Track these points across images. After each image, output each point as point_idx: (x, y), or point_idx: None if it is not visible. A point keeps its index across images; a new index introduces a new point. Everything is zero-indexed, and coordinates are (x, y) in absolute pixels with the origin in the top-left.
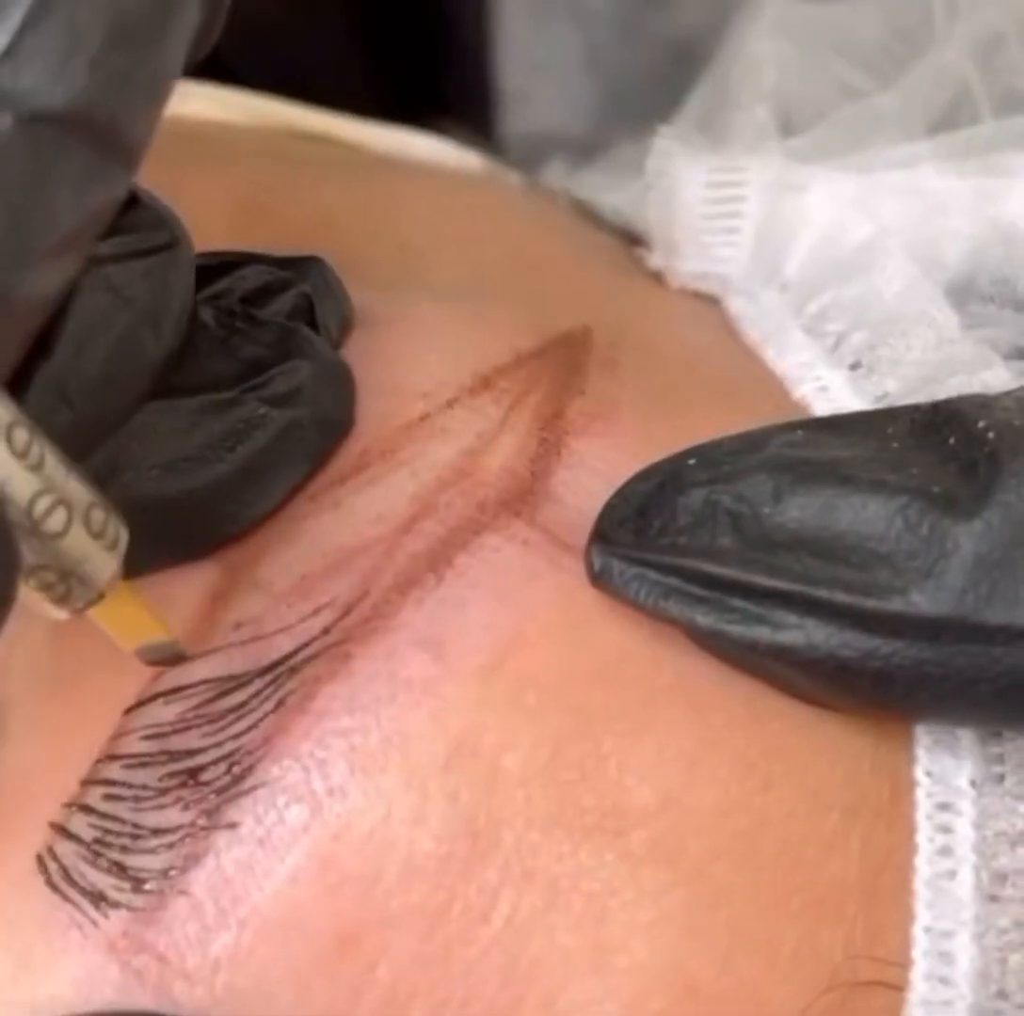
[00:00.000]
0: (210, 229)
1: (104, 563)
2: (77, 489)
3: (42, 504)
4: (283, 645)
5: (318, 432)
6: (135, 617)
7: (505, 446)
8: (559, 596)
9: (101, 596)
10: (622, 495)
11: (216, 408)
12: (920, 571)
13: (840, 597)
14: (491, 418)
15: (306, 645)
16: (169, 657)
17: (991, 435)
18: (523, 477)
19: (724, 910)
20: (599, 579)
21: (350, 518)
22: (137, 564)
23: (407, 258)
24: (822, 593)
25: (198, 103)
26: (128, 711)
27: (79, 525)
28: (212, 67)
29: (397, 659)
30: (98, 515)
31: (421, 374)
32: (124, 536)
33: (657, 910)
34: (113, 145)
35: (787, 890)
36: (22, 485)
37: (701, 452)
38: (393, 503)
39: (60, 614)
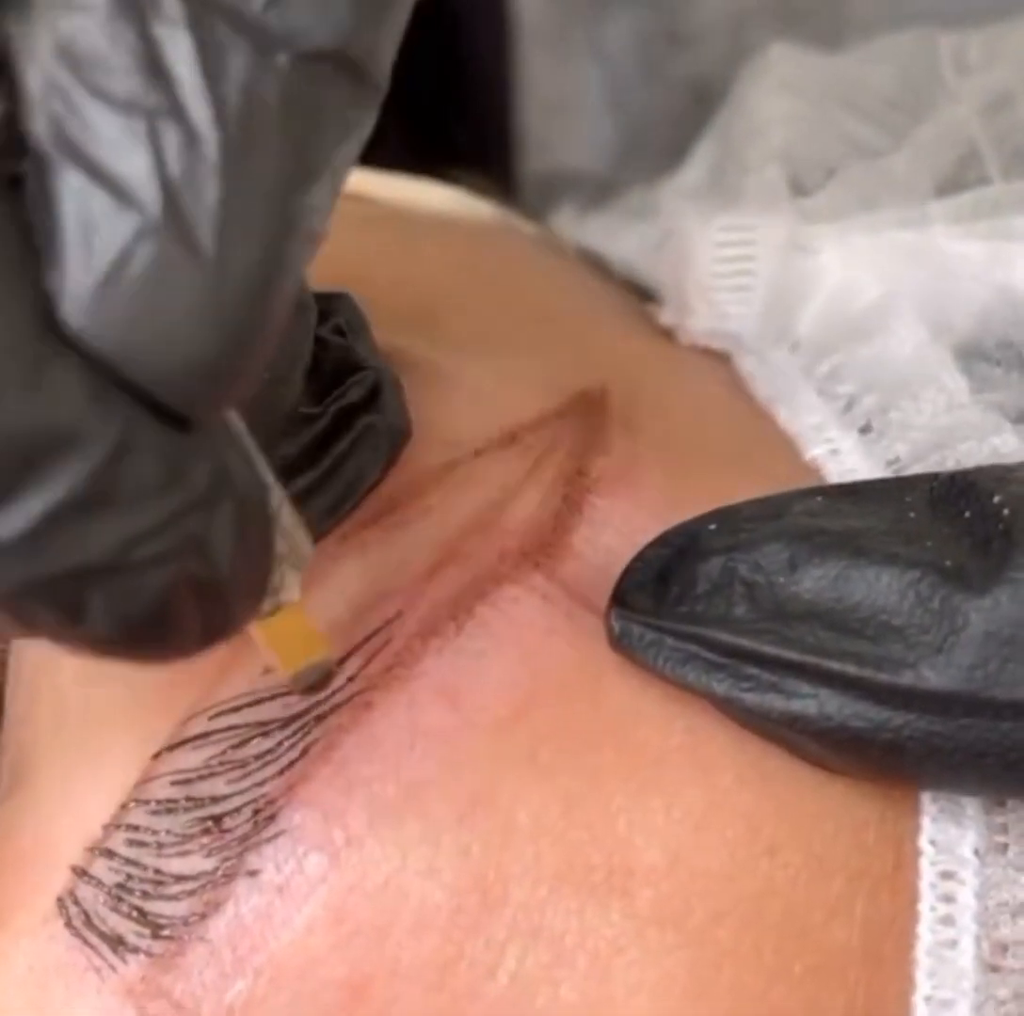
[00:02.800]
0: None
1: (289, 571)
2: (276, 489)
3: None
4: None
5: (388, 437)
6: (300, 634)
7: (529, 499)
8: (575, 653)
9: (279, 607)
10: (642, 559)
11: (304, 420)
12: (931, 646)
13: (852, 669)
14: (516, 471)
15: (332, 694)
16: (320, 679)
17: (1006, 512)
18: (545, 531)
19: (727, 973)
20: (619, 643)
21: (376, 563)
22: None
23: (421, 313)
24: (834, 665)
25: None
26: (156, 756)
27: (277, 533)
28: None
29: (417, 708)
30: (289, 520)
31: (448, 423)
32: (309, 549)
33: (660, 970)
34: (367, 81)
35: (790, 955)
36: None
37: (721, 517)
38: (418, 550)
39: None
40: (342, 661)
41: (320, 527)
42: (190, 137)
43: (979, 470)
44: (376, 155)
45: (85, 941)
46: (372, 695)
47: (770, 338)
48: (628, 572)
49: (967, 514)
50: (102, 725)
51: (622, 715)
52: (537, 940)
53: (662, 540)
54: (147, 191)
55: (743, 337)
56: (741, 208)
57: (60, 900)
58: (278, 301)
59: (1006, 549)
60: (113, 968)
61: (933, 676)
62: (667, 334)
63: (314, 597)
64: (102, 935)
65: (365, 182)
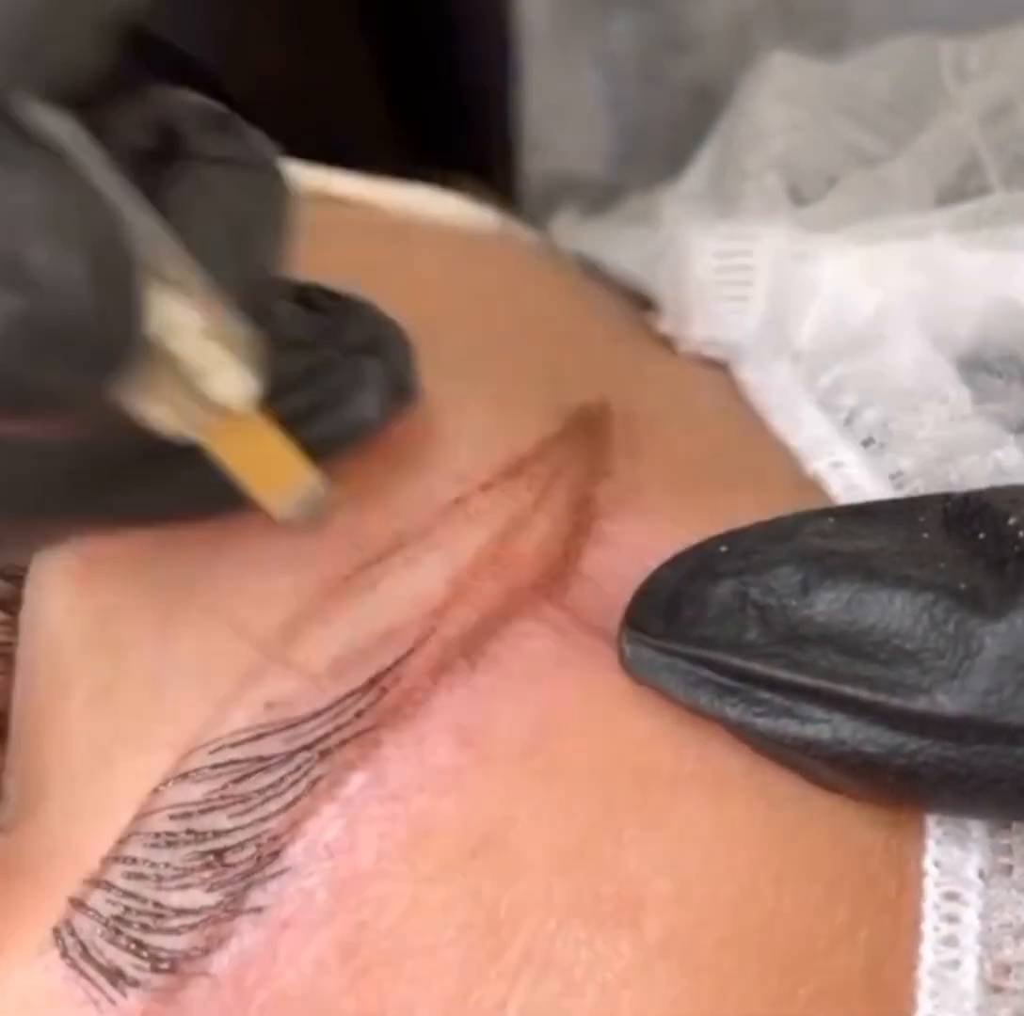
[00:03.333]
0: None
1: (231, 371)
2: (195, 284)
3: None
4: (315, 729)
5: (392, 384)
6: (271, 453)
7: (538, 531)
8: (587, 685)
9: (228, 412)
10: (653, 582)
11: (294, 349)
12: (945, 671)
13: (865, 694)
14: (523, 503)
15: (338, 729)
16: (314, 511)
17: (1021, 534)
18: (555, 561)
19: (732, 1000)
20: (630, 667)
21: (385, 601)
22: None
23: (422, 328)
24: (847, 690)
25: None
26: (155, 790)
27: (199, 321)
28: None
29: (427, 746)
30: (223, 317)
31: (454, 456)
32: (255, 349)
33: (667, 1001)
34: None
35: (794, 981)
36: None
37: (732, 539)
38: (427, 587)
39: (182, 427)
40: (349, 697)
41: (320, 459)
42: None
43: (993, 491)
44: (376, 160)
45: (82, 973)
46: (381, 733)
47: (769, 348)
48: (639, 595)
49: (981, 536)
50: (106, 758)
51: (635, 745)
52: (547, 973)
53: (673, 562)
54: None
55: (742, 347)
56: (740, 216)
57: (56, 930)
58: None
59: (1021, 572)
60: (112, 1001)
61: (947, 702)
62: (666, 343)
63: (323, 634)
64: (100, 967)
65: (363, 188)
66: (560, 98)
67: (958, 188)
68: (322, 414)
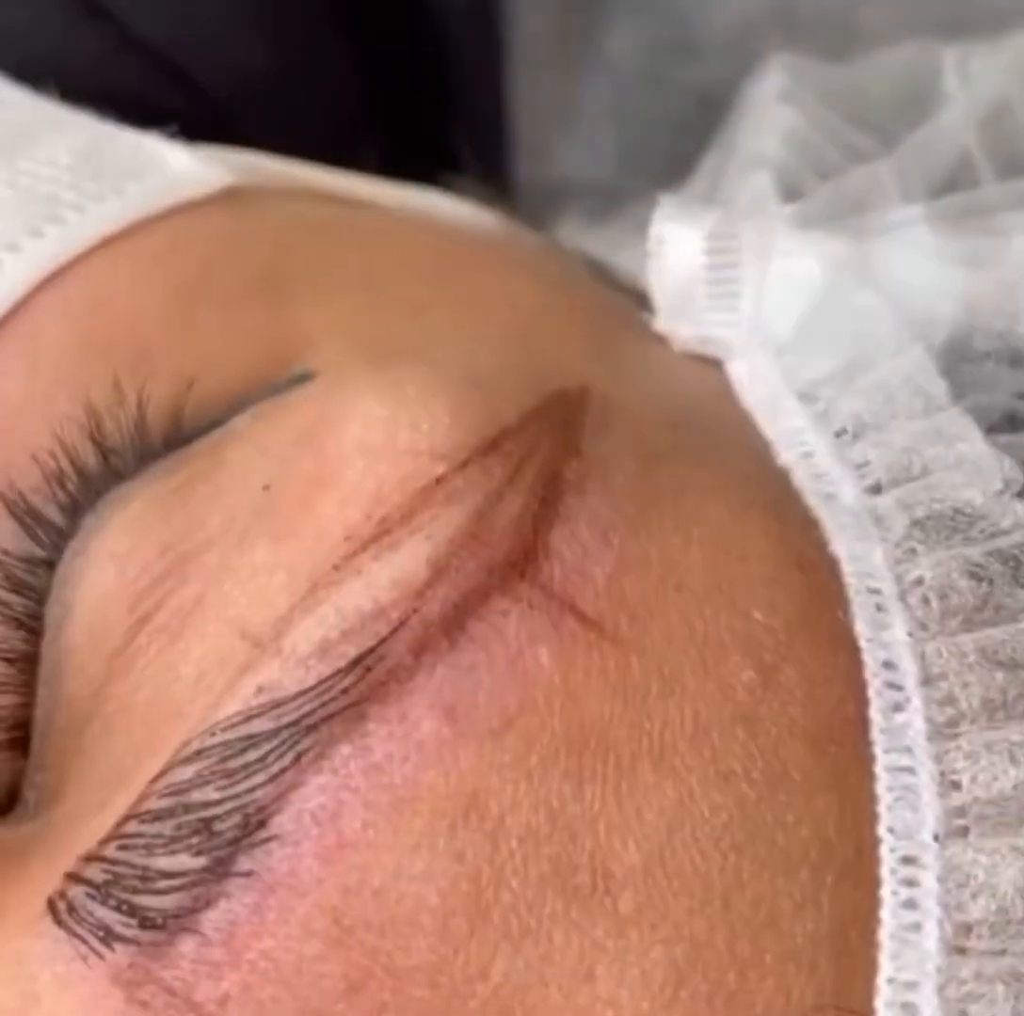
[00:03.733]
0: None
1: None
2: None
3: None
4: (301, 706)
5: None
6: None
7: (511, 507)
8: (557, 660)
9: None
10: None
11: None
12: None
13: None
14: (498, 479)
15: (324, 706)
16: None
17: None
18: (526, 537)
19: (704, 965)
20: None
21: (369, 584)
22: None
23: (410, 312)
24: None
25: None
26: (152, 781)
27: None
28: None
29: (411, 721)
30: None
31: (435, 438)
32: None
33: (641, 966)
34: None
35: (762, 946)
36: None
37: None
38: (409, 569)
39: None
40: (334, 676)
41: None
42: None
43: None
44: (372, 162)
45: (72, 932)
46: (366, 708)
47: (757, 344)
48: None
49: None
50: (119, 770)
51: (598, 722)
52: (526, 941)
53: None
54: None
55: (733, 343)
56: (730, 214)
57: (50, 900)
58: None
59: None
60: (100, 956)
61: None
62: (662, 341)
63: (310, 621)
64: (89, 926)
65: (353, 186)
66: (561, 103)
67: (951, 184)
68: None
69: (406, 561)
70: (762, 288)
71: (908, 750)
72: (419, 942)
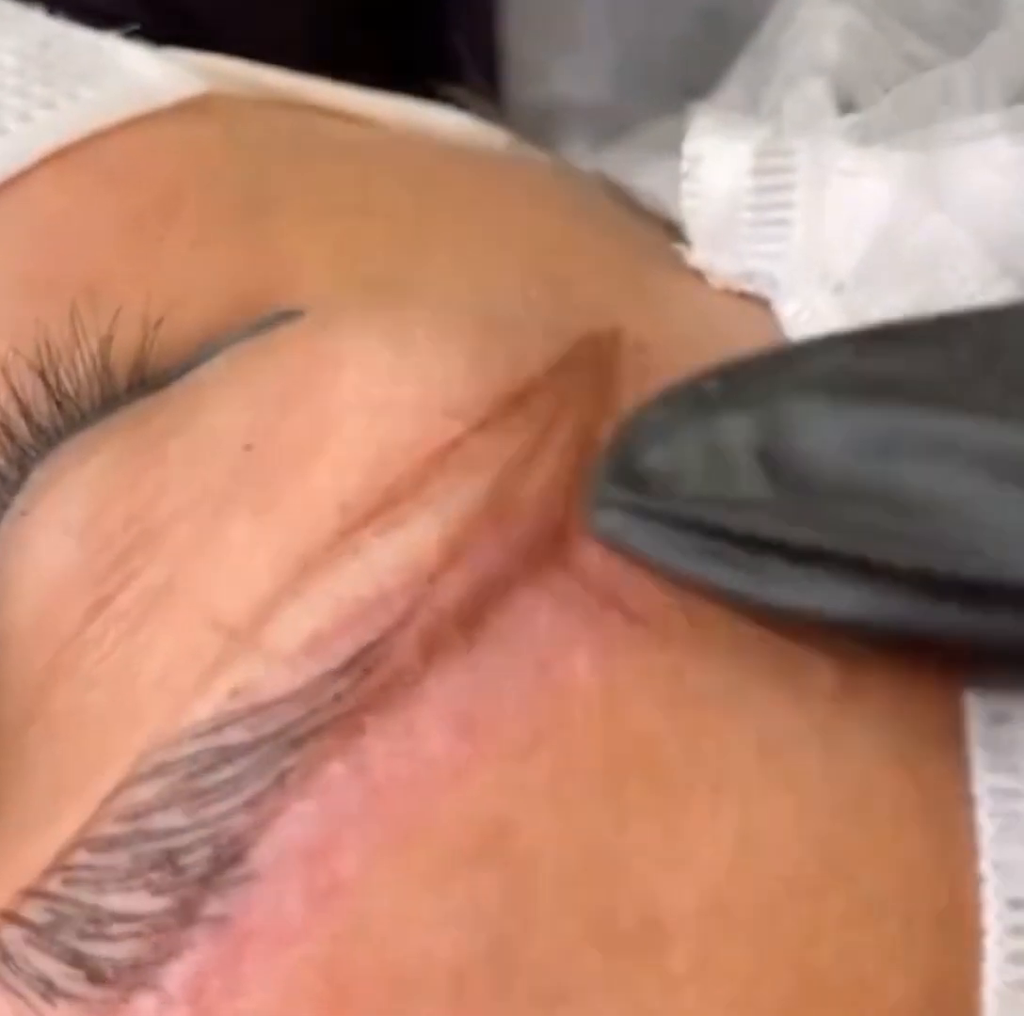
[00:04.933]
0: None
1: None
2: None
3: None
4: (284, 714)
5: None
6: None
7: (540, 477)
8: (597, 667)
9: None
10: (625, 433)
11: None
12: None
13: (901, 559)
14: (524, 444)
15: (312, 714)
16: None
17: None
18: (557, 515)
19: None
20: (605, 538)
21: (370, 566)
22: None
23: (419, 250)
24: (876, 553)
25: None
26: (106, 801)
27: None
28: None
29: (419, 735)
30: None
31: (450, 391)
32: None
33: None
34: None
35: (850, 1010)
36: None
37: (724, 372)
38: (418, 549)
39: None
40: (325, 678)
41: None
42: None
43: None
44: (363, 69)
45: (7, 986)
46: (364, 717)
47: (812, 279)
48: (608, 451)
49: None
50: (68, 783)
51: (645, 741)
52: (560, 1007)
53: (647, 409)
54: None
55: (781, 279)
56: (779, 128)
57: None
58: None
59: None
60: (40, 1014)
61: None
62: (698, 276)
63: (297, 609)
64: (27, 979)
65: (364, 102)
66: (558, 19)
67: None
68: None
69: (415, 540)
70: (818, 214)
71: (1015, 770)
72: (429, 1007)
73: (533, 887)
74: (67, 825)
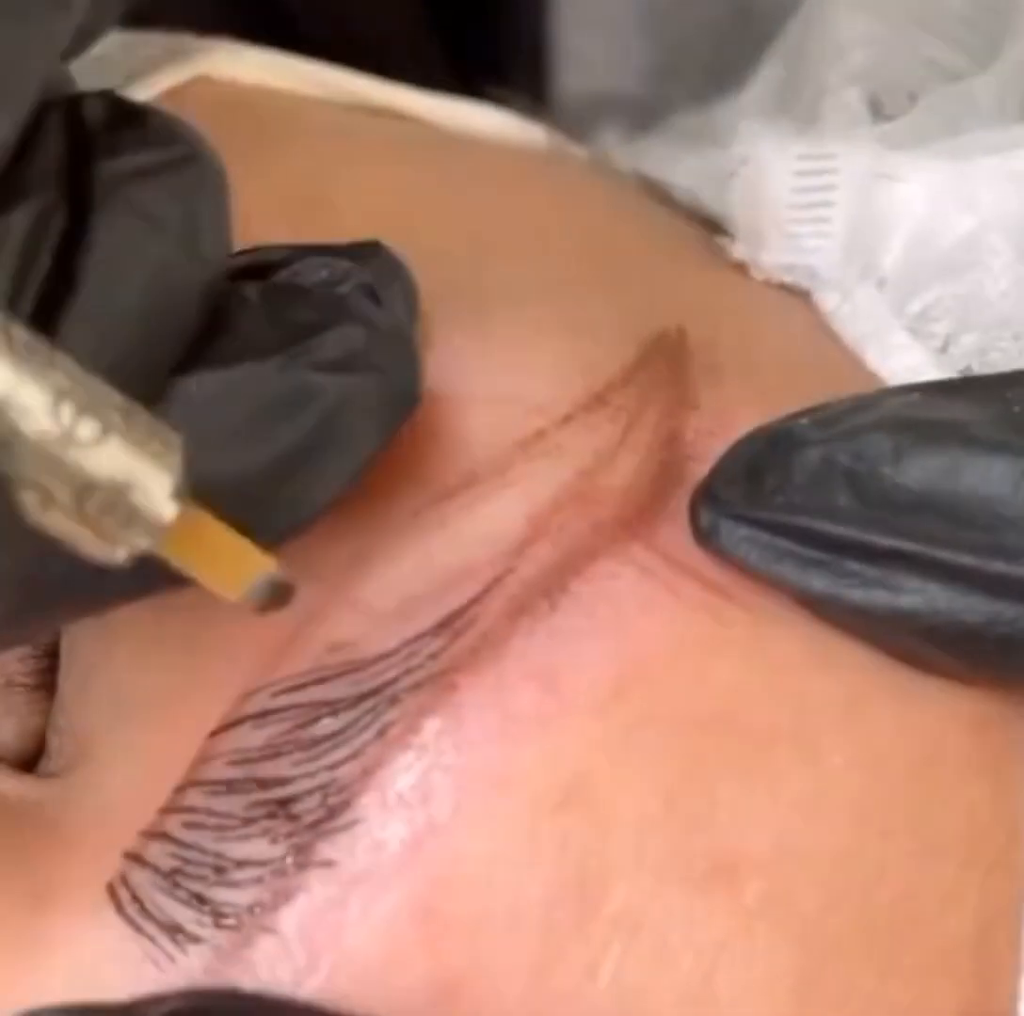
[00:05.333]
0: (263, 221)
1: (157, 474)
2: (104, 391)
3: (67, 410)
4: (383, 671)
5: (385, 404)
6: (219, 544)
7: (623, 467)
8: (676, 628)
9: (165, 525)
10: (733, 455)
11: (261, 376)
12: None
13: (965, 559)
14: (608, 437)
15: (408, 672)
16: (278, 594)
17: None
18: (642, 499)
19: (837, 969)
20: (708, 540)
21: (457, 538)
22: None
23: (479, 252)
24: (945, 554)
25: (254, 70)
26: (213, 734)
27: (116, 433)
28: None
29: (507, 691)
30: (139, 418)
31: (533, 386)
32: (178, 443)
33: (767, 967)
34: None
35: (902, 947)
36: (36, 389)
37: (812, 412)
38: (505, 524)
39: (120, 555)
40: (420, 638)
41: (296, 515)
42: None
43: None
44: (413, 70)
45: (139, 929)
46: (456, 676)
47: (853, 274)
48: (718, 468)
49: None
50: (159, 708)
51: (725, 695)
52: (639, 938)
53: (753, 435)
54: None
55: (822, 272)
56: (819, 134)
57: (111, 886)
58: None
59: None
60: (172, 958)
61: None
62: (739, 269)
63: (388, 572)
64: (159, 924)
65: (414, 101)
66: (595, 9)
67: None
68: (304, 467)
69: (500, 515)
70: (858, 213)
71: None
72: (518, 939)
73: (614, 830)
74: (169, 758)
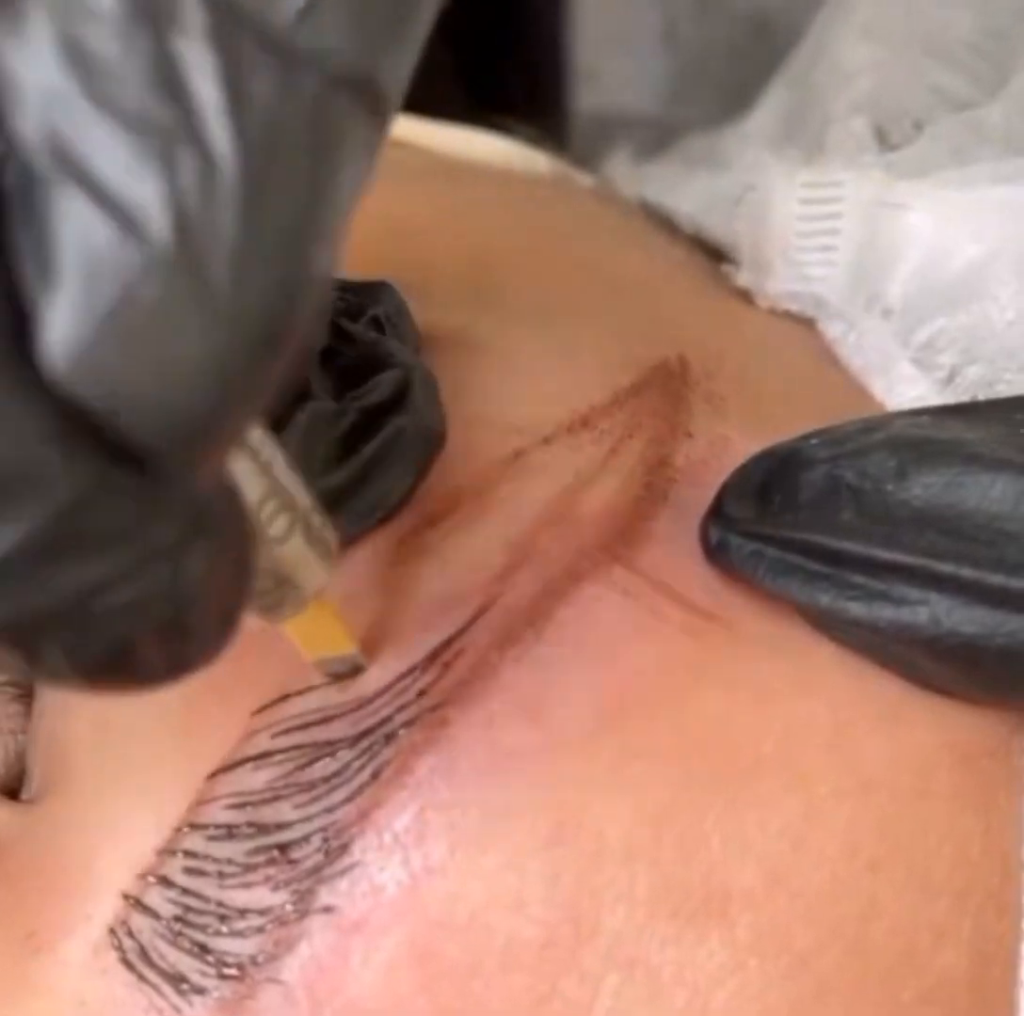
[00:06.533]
0: None
1: (317, 571)
2: (301, 493)
3: (269, 508)
4: (379, 709)
5: (421, 441)
6: (326, 629)
7: (606, 487)
8: (662, 654)
9: (302, 610)
10: (744, 473)
11: (323, 417)
12: None
13: (966, 572)
14: (591, 458)
15: (402, 709)
16: (348, 671)
17: None
18: (624, 519)
19: (831, 1005)
20: (716, 555)
21: (443, 566)
22: None
23: (480, 276)
24: (947, 568)
25: None
26: (212, 776)
27: (299, 532)
28: None
29: (497, 725)
30: (317, 521)
31: (514, 408)
32: (336, 545)
33: (762, 1005)
34: (385, 109)
35: (897, 983)
36: (253, 486)
37: (822, 432)
38: (488, 550)
39: (262, 622)
40: (411, 673)
41: (349, 534)
42: (208, 163)
43: None
44: (425, 100)
45: (143, 978)
46: (447, 711)
47: (859, 303)
48: (728, 485)
49: None
50: (148, 739)
51: (712, 722)
52: (633, 973)
53: (762, 455)
54: (158, 221)
55: (828, 301)
56: (825, 162)
57: (112, 930)
58: (288, 351)
59: None
60: (177, 1010)
61: None
62: (744, 297)
63: (376, 603)
64: (163, 973)
65: (414, 129)
66: (615, 27)
67: None
68: (357, 492)
69: (484, 540)
70: (864, 242)
71: None
72: (513, 979)
73: (604, 863)
74: (162, 793)
